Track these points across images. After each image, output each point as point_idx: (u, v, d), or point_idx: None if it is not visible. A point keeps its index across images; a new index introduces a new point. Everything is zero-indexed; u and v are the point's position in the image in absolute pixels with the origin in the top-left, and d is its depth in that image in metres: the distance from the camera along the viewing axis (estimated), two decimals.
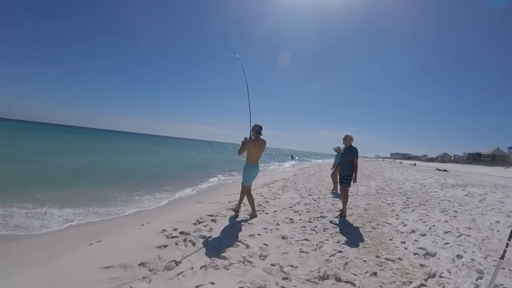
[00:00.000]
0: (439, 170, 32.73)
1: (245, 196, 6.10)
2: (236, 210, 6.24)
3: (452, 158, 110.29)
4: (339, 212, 6.67)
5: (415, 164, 50.52)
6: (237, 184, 7.94)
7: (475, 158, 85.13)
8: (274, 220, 5.74)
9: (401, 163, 63.20)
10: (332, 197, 8.90)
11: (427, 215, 7.12)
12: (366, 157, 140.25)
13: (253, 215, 5.96)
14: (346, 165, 6.59)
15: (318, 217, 6.19)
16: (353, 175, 6.51)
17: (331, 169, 11.06)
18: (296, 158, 63.00)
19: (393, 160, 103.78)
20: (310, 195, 9.09)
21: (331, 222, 5.91)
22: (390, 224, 6.07)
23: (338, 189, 9.91)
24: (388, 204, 8.35)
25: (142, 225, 5.60)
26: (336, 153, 10.54)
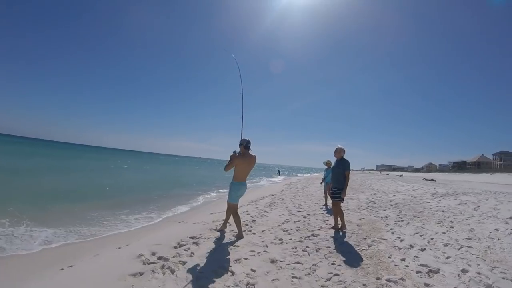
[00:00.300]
0: (426, 180, 32.70)
1: (231, 216, 5.65)
2: (221, 230, 5.80)
3: (437, 168, 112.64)
4: (333, 229, 6.31)
5: (402, 175, 50.91)
6: (223, 202, 7.50)
7: (460, 166, 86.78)
8: (262, 241, 5.27)
9: (387, 174, 63.45)
10: (323, 213, 8.50)
11: (423, 228, 6.75)
12: (353, 169, 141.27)
13: (239, 236, 5.50)
14: (338, 178, 6.33)
15: (309, 236, 5.75)
16: (344, 188, 6.21)
17: (320, 183, 10.67)
18: (285, 173, 62.71)
19: (379, 172, 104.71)
20: (300, 211, 8.65)
21: (324, 240, 5.50)
22: (386, 240, 5.69)
23: (330, 204, 9.53)
24: (381, 218, 7.98)
25: (119, 248, 5.17)
26: (326, 167, 10.22)
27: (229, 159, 5.43)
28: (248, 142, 5.51)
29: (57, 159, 35.06)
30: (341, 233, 6.10)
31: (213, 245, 4.98)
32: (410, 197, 13.12)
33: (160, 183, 20.18)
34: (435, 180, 31.00)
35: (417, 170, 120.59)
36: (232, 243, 5.15)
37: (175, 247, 4.88)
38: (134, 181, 20.03)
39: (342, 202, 6.42)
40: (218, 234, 5.69)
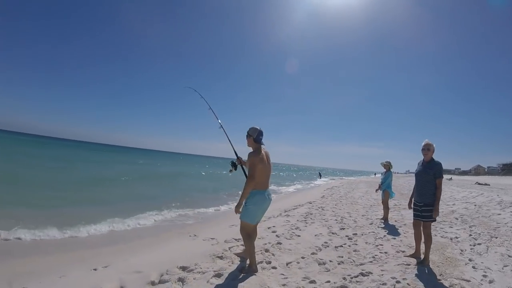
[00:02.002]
0: (479, 184, 29.40)
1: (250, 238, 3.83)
2: (253, 269, 3.81)
3: (486, 170, 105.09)
4: (405, 257, 4.61)
5: (451, 179, 46.32)
6: None
7: (511, 169, 79.75)
8: (284, 286, 3.45)
9: None
10: (374, 231, 6.45)
11: (510, 256, 4.78)
12: (397, 172, 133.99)
13: (251, 269, 3.75)
14: (425, 188, 4.41)
15: (357, 275, 3.82)
16: (435, 204, 4.32)
17: (376, 190, 8.58)
18: (326, 175, 59.71)
19: None
20: (343, 229, 6.64)
21: (380, 283, 3.56)
22: (469, 281, 3.76)
23: (388, 218, 7.81)
24: (451, 239, 5.93)
25: (95, 269, 4.13)
26: (384, 170, 8.18)
27: (231, 167, 4.02)
28: (260, 133, 3.84)
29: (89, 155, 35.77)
30: (416, 267, 4.20)
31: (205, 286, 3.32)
32: (473, 206, 10.87)
33: (182, 183, 19.01)
34: (489, 185, 27.56)
35: (464, 172, 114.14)
36: (236, 280, 3.42)
37: (152, 283, 3.50)
38: (165, 177, 19.07)
39: (434, 221, 4.53)
40: (221, 265, 3.97)
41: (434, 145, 4.45)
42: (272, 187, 21.53)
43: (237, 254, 4.41)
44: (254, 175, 3.59)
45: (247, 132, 3.84)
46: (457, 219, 8.24)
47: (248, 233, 3.78)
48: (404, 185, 25.96)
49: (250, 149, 3.82)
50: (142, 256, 4.71)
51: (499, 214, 9.00)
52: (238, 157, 4.28)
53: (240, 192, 3.72)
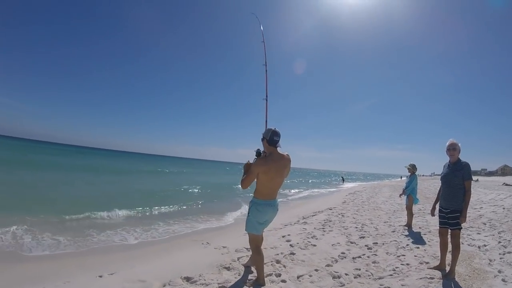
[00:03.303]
0: (507, 185, 28.18)
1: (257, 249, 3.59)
2: (261, 283, 3.59)
3: None
4: (428, 269, 4.23)
5: (477, 180, 44.19)
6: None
7: None
8: None
9: None
10: (396, 240, 6.06)
11: None
12: (423, 175, 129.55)
13: (258, 283, 3.52)
14: (453, 192, 4.03)
15: None
16: (463, 210, 3.94)
17: (400, 195, 8.14)
18: (350, 179, 58.34)
19: None
20: (363, 237, 6.28)
21: None
22: None
23: (412, 224, 7.44)
24: (479, 248, 5.46)
25: (101, 276, 4.07)
26: (409, 174, 7.73)
27: (256, 157, 3.44)
28: (275, 134, 3.36)
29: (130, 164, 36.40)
30: (441, 281, 3.83)
31: None
32: (502, 209, 10.20)
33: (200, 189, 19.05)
34: None
35: (491, 173, 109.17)
36: None
37: None
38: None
39: (461, 229, 4.09)
40: (226, 277, 3.76)
41: (460, 145, 4.09)
42: (289, 192, 21.18)
43: (245, 265, 4.20)
44: (246, 181, 3.30)
45: (263, 136, 3.43)
46: (485, 224, 7.70)
47: (257, 245, 3.56)
48: (430, 188, 24.93)
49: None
50: (149, 264, 4.62)
51: None
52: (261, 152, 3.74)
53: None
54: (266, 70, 4.37)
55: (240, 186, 3.42)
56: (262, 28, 4.88)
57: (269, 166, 3.32)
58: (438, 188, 4.46)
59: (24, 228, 6.58)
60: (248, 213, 3.48)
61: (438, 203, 4.36)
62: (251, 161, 3.41)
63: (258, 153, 3.42)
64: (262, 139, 3.43)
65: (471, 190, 4.02)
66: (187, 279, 3.69)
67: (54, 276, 4.22)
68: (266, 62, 4.38)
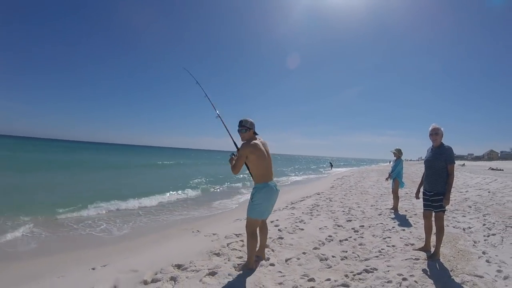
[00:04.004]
0: (493, 169, 29.02)
1: (253, 236, 3.55)
2: (250, 267, 3.56)
3: (499, 155, 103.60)
4: (414, 250, 4.31)
5: (464, 165, 45.23)
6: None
7: None
8: (280, 284, 3.19)
9: None
10: (382, 223, 6.12)
11: None
12: (410, 160, 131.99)
13: (249, 267, 3.54)
14: (436, 175, 4.05)
15: (360, 272, 3.52)
16: (446, 192, 3.94)
17: (386, 179, 8.22)
18: (340, 165, 58.87)
19: None
20: (350, 220, 6.32)
21: (385, 281, 3.28)
22: (482, 277, 3.41)
23: (398, 208, 7.60)
24: (463, 230, 5.55)
25: (93, 269, 4.08)
26: (394, 158, 7.81)
27: (229, 160, 3.61)
28: (252, 124, 3.61)
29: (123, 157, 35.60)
30: (426, 262, 3.87)
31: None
32: (487, 193, 10.36)
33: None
34: (502, 170, 27.04)
35: (477, 158, 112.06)
36: (227, 283, 3.19)
37: (144, 283, 3.29)
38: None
39: (445, 211, 4.11)
40: (216, 262, 3.73)
41: (442, 129, 4.10)
42: (277, 178, 21.32)
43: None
44: (238, 164, 3.41)
45: (244, 126, 3.55)
46: (470, 207, 7.82)
47: (254, 230, 3.52)
48: (417, 172, 25.34)
49: None
50: (141, 255, 4.57)
51: None
52: (238, 149, 3.86)
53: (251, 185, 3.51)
54: (222, 121, 4.18)
55: (232, 171, 3.47)
56: (197, 81, 4.72)
57: (253, 145, 3.46)
58: (419, 172, 4.49)
59: (15, 227, 6.49)
60: (252, 199, 3.46)
61: (422, 186, 4.40)
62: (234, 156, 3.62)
63: (232, 154, 3.67)
64: (247, 130, 3.56)
65: (454, 173, 4.05)
66: (178, 266, 3.66)
67: (48, 272, 4.19)
68: (218, 114, 4.20)
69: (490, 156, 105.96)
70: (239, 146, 3.77)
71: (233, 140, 3.95)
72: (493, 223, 6.00)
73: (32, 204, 8.74)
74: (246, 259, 3.69)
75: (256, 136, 3.65)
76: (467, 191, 11.36)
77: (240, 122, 3.58)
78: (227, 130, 4.07)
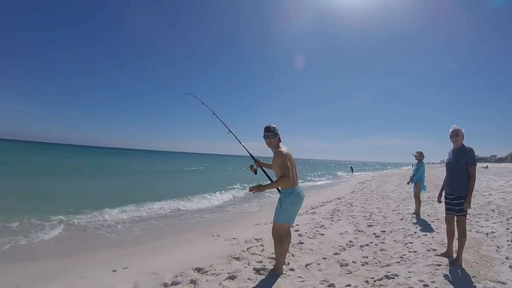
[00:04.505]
0: None
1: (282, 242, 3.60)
2: (278, 272, 3.62)
3: None
4: (435, 256, 4.28)
5: (487, 167, 43.60)
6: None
7: None
8: None
9: None
10: (404, 228, 6.07)
11: None
12: (432, 163, 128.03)
13: (276, 271, 3.59)
14: (457, 178, 4.00)
15: (381, 278, 3.55)
16: (467, 195, 3.89)
17: (408, 183, 8.10)
18: (360, 169, 57.87)
19: None
20: (371, 225, 6.31)
21: (408, 287, 3.29)
22: (505, 283, 3.36)
23: (420, 212, 7.43)
24: (486, 234, 5.44)
25: (114, 271, 4.25)
26: (416, 161, 7.69)
27: (250, 171, 3.85)
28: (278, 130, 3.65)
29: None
30: (448, 268, 3.84)
31: None
32: (511, 196, 10.04)
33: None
34: None
35: (501, 160, 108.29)
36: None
37: (164, 285, 3.41)
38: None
39: (466, 215, 4.05)
40: (236, 266, 3.82)
41: (463, 130, 4.07)
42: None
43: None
44: (289, 174, 3.36)
45: (273, 131, 3.56)
46: (493, 211, 7.64)
47: (281, 235, 3.56)
48: (439, 176, 24.71)
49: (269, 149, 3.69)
50: (161, 257, 4.72)
51: None
52: (256, 160, 4.01)
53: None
54: (234, 136, 4.41)
55: (285, 181, 3.38)
56: (202, 102, 4.95)
57: (289, 153, 3.51)
58: (441, 175, 4.46)
59: (37, 229, 6.78)
60: (281, 204, 3.49)
61: (444, 190, 4.37)
62: (250, 171, 3.91)
63: (252, 168, 3.88)
64: (274, 136, 3.58)
65: (476, 175, 4.00)
66: (198, 269, 3.77)
67: (69, 273, 4.35)
68: (229, 129, 4.41)
69: None
70: (254, 155, 3.97)
71: (248, 152, 4.13)
72: None
73: (53, 207, 9.04)
74: (265, 264, 3.80)
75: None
76: (490, 194, 11.07)
77: (268, 128, 3.58)
78: (241, 143, 4.25)
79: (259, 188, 3.34)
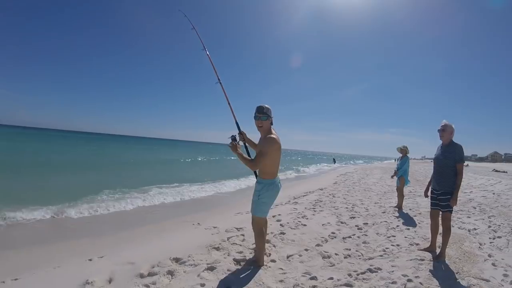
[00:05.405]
0: (497, 171, 28.36)
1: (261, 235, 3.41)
2: (258, 263, 3.45)
3: (503, 157, 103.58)
4: (419, 250, 4.22)
5: (467, 165, 44.65)
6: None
7: None
8: (281, 282, 3.10)
9: None
10: (387, 221, 6.01)
11: None
12: (414, 158, 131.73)
13: (257, 262, 3.44)
14: (444, 174, 3.94)
15: (364, 271, 3.43)
16: (454, 192, 3.82)
17: (392, 176, 8.04)
18: (341, 161, 58.54)
19: None
20: (353, 217, 6.22)
21: (390, 281, 3.18)
22: (488, 281, 3.32)
23: (402, 206, 7.46)
24: (469, 231, 5.44)
25: (90, 260, 3.97)
26: (400, 155, 7.62)
27: (229, 146, 3.18)
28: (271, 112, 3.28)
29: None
30: (431, 263, 3.77)
31: (192, 283, 3.00)
32: (492, 195, 10.30)
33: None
34: (506, 172, 26.81)
35: (481, 159, 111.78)
36: (225, 279, 3.10)
37: (141, 276, 3.21)
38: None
39: (452, 211, 3.98)
40: (216, 257, 3.65)
41: (453, 126, 3.97)
42: (280, 173, 21.11)
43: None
44: (264, 157, 3.08)
45: (265, 113, 3.17)
46: (475, 208, 7.71)
47: (262, 228, 3.39)
48: (420, 171, 25.21)
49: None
50: (139, 247, 4.45)
51: None
52: (240, 132, 3.61)
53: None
54: (207, 54, 4.09)
55: (254, 165, 3.11)
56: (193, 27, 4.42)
57: (279, 142, 3.21)
58: (430, 171, 4.37)
59: (11, 217, 6.34)
60: (258, 197, 3.26)
61: (431, 185, 4.29)
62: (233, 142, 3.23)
63: (233, 138, 3.27)
64: (267, 118, 3.20)
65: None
66: (176, 260, 3.58)
67: (44, 263, 4.07)
68: (204, 46, 4.14)
69: (494, 157, 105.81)
70: (240, 125, 3.63)
71: (234, 118, 3.71)
72: (499, 225, 5.90)
73: (29, 195, 8.54)
74: (246, 254, 3.62)
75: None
76: (471, 191, 11.24)
77: (261, 108, 3.18)
78: (229, 103, 3.81)
79: (236, 150, 3.12)
